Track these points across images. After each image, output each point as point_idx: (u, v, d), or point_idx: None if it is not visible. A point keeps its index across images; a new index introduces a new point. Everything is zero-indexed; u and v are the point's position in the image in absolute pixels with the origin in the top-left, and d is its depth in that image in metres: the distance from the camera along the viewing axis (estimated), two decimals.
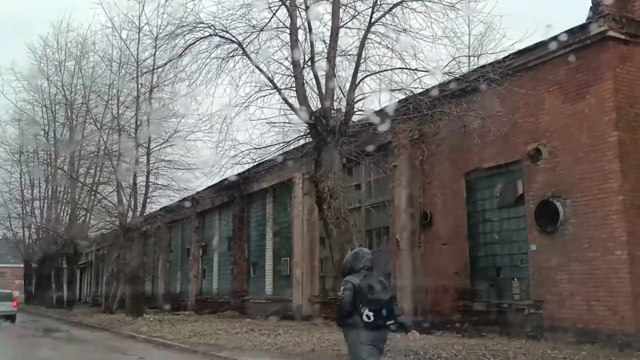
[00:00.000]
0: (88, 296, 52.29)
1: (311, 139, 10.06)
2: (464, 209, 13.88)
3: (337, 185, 9.13)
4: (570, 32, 11.18)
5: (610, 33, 10.71)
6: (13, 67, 57.03)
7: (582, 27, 11.11)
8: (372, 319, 5.14)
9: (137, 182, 21.78)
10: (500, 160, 13.03)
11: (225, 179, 25.98)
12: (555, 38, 11.33)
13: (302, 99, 9.59)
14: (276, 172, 22.28)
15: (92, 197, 27.02)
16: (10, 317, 24.12)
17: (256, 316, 22.16)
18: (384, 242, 16.76)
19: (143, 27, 21.17)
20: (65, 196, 31.72)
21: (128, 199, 22.70)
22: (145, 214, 22.45)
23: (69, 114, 32.31)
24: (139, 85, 21.48)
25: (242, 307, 24.05)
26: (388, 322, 5.30)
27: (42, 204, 40.66)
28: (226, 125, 11.23)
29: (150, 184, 21.75)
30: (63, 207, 37.27)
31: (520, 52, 11.86)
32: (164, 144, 22.34)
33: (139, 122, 21.58)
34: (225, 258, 26.78)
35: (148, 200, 22.40)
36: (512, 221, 12.82)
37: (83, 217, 34.29)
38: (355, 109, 9.70)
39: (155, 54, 17.78)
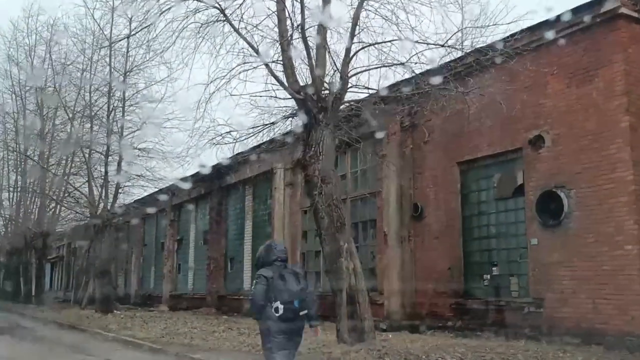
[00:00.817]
0: (59, 291, 50.71)
1: (299, 118, 8.99)
2: (458, 201, 13.05)
3: (329, 168, 8.19)
4: (578, 10, 10.36)
5: (623, 10, 9.93)
6: None
7: (591, 4, 10.31)
8: (282, 311, 5.13)
9: (109, 170, 20.53)
10: (498, 148, 12.22)
11: (203, 166, 24.99)
12: (561, 16, 10.51)
13: (290, 72, 8.57)
14: (256, 162, 21.35)
15: (63, 187, 25.57)
16: None
17: (233, 314, 21.14)
18: (371, 236, 15.87)
19: (117, 6, 19.91)
20: (34, 187, 30.06)
21: (100, 189, 21.43)
22: (118, 205, 21.23)
23: (40, 102, 30.82)
24: (112, 68, 20.27)
25: (219, 304, 23.00)
26: (302, 313, 5.29)
27: (10, 196, 39.15)
28: (204, 101, 10.12)
29: (122, 172, 20.52)
30: (33, 198, 35.78)
31: (522, 32, 11.02)
32: (137, 131, 21.14)
33: (111, 108, 20.34)
34: (202, 253, 25.70)
35: (120, 190, 21.20)
36: (510, 213, 12.02)
37: (53, 209, 32.89)
38: (349, 85, 8.73)
39: (130, 34, 16.61)
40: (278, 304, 5.15)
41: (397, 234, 14.26)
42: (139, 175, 20.63)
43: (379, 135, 15.05)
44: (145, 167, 20.67)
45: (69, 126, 26.77)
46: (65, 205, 25.88)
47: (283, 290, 5.20)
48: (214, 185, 24.31)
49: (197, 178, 24.88)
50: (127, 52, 20.44)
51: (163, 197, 28.39)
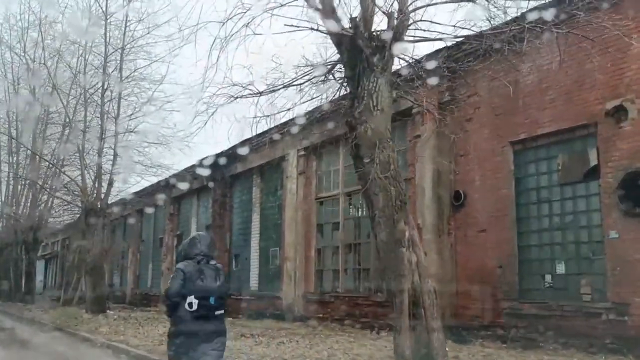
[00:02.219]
0: (53, 289, 48.72)
1: (345, 62, 6.72)
2: (511, 187, 11.06)
3: (385, 127, 6.20)
4: None
5: None
6: None
7: None
8: (195, 307, 4.72)
9: (103, 155, 18.52)
10: (563, 123, 10.24)
11: (203, 159, 23.08)
12: None
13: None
14: (266, 148, 19.38)
15: (55, 176, 23.48)
16: None
17: (237, 315, 19.14)
18: None
19: None
20: (26, 178, 28.00)
21: (93, 178, 19.41)
22: (113, 196, 19.24)
23: (32, 86, 28.82)
24: (107, 42, 18.27)
25: None
26: (217, 313, 4.89)
27: (2, 188, 37.32)
28: (220, 43, 8.02)
29: (118, 158, 18.52)
30: (24, 190, 33.88)
31: None
32: (134, 113, 19.14)
33: (105, 86, 18.36)
34: None
35: (115, 178, 19.23)
36: (579, 201, 10.03)
37: (45, 202, 30.96)
38: (410, 21, 6.70)
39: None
40: (192, 298, 4.72)
41: (434, 227, 12.27)
42: (136, 162, 18.61)
43: (413, 110, 13.18)
44: (144, 152, 18.66)
45: (63, 114, 25.01)
46: (55, 194, 23.76)
47: (200, 286, 4.77)
48: (218, 175, 22.31)
49: (199, 167, 23.00)
50: (125, 26, 18.53)
51: (161, 189, 26.57)
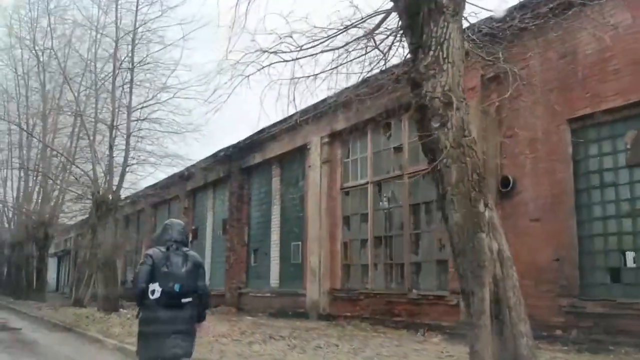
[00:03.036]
0: (66, 286, 48.13)
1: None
2: (568, 170, 9.85)
3: (457, 84, 5.04)
4: None
5: None
6: None
7: None
8: (158, 295, 4.56)
9: (115, 145, 17.46)
10: (630, 97, 9.02)
11: (220, 151, 22.04)
12: None
13: None
14: (286, 136, 18.31)
15: (67, 169, 22.46)
16: None
17: (257, 313, 18.13)
18: (438, 221, 12.71)
19: None
20: (37, 170, 27.06)
21: (105, 168, 18.37)
22: (125, 187, 18.22)
23: (42, 79, 27.90)
24: (119, 26, 17.23)
25: (240, 302, 19.98)
26: (184, 300, 4.68)
27: (13, 185, 36.61)
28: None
29: (130, 147, 17.45)
30: (35, 186, 33.10)
31: None
32: (146, 103, 18.08)
33: (117, 71, 17.29)
34: (220, 243, 22.67)
35: (128, 169, 18.13)
36: None
37: (56, 197, 30.10)
38: None
39: None
40: (156, 286, 4.61)
41: None
42: (149, 152, 17.54)
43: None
44: (157, 142, 17.61)
45: (74, 105, 24.10)
46: (67, 187, 22.74)
47: (165, 273, 4.64)
48: (235, 167, 21.27)
49: (215, 159, 21.98)
50: (137, 8, 17.49)
51: (176, 182, 25.59)
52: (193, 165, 19.94)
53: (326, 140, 16.24)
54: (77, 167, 19.69)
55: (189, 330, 4.84)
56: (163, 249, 4.80)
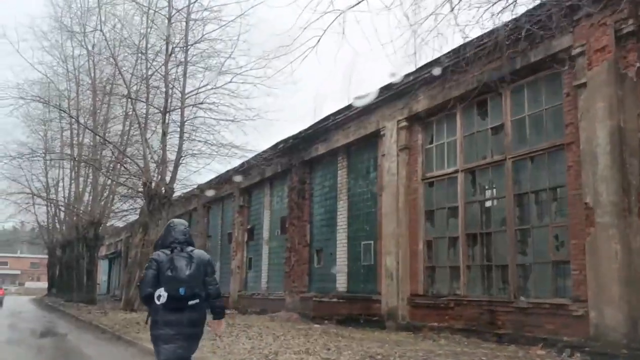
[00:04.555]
0: (117, 289, 47.58)
1: None
2: None
3: None
4: None
5: None
6: (32, 23, 50.72)
7: None
8: (165, 299, 4.58)
9: (168, 135, 15.84)
10: None
11: (280, 143, 20.26)
12: None
13: None
14: (354, 123, 16.38)
15: (119, 160, 21.05)
16: None
17: (322, 320, 16.22)
18: (554, 213, 10.50)
19: None
20: (89, 163, 25.93)
21: (157, 159, 16.78)
22: (180, 180, 16.59)
23: (93, 76, 26.87)
24: (172, 4, 15.63)
25: (303, 308, 18.09)
26: (191, 303, 4.65)
27: (65, 184, 36.13)
28: None
29: (185, 137, 15.82)
30: (85, 185, 32.32)
31: None
32: (201, 88, 16.42)
33: (170, 52, 15.68)
34: (279, 244, 20.87)
35: (182, 160, 16.49)
36: None
37: (106, 197, 29.12)
38: None
39: None
40: (161, 290, 4.58)
41: (615, 206, 8.85)
42: (203, 141, 15.85)
43: (574, 51, 9.82)
44: (213, 129, 15.91)
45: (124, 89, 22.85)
46: (118, 181, 21.37)
47: (168, 277, 4.60)
48: (295, 159, 19.45)
49: (273, 152, 20.20)
50: None
51: (229, 179, 24.01)
52: (250, 159, 18.16)
53: (404, 124, 14.21)
54: (127, 157, 18.23)
55: (198, 332, 4.82)
56: (167, 251, 4.72)
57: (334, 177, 17.75)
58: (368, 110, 15.53)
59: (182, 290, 4.60)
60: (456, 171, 12.66)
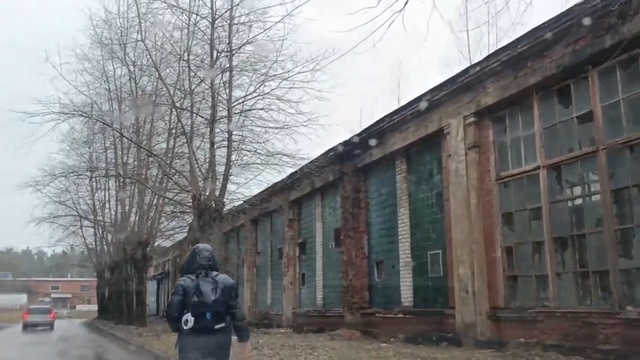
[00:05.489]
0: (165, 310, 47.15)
1: None
2: None
3: None
4: None
5: None
6: (74, 44, 51.15)
7: None
8: (193, 324, 4.73)
9: (215, 145, 14.97)
10: None
11: (331, 151, 19.19)
12: None
13: None
14: (414, 123, 15.22)
15: (165, 172, 20.24)
16: (48, 325, 33.49)
17: (388, 338, 14.99)
18: None
19: None
20: (133, 181, 25.41)
21: (205, 171, 15.93)
22: (231, 193, 15.68)
23: (135, 92, 26.47)
24: (214, 4, 14.83)
25: (365, 325, 16.88)
26: (217, 326, 4.80)
27: (111, 204, 35.95)
28: None
29: (233, 147, 14.91)
30: (132, 207, 31.98)
31: None
32: (248, 95, 15.53)
33: (215, 58, 14.86)
34: (334, 257, 19.74)
35: (231, 171, 15.57)
36: None
37: (152, 217, 28.57)
38: None
39: None
40: (188, 315, 4.74)
41: None
42: (252, 151, 14.93)
43: None
44: (261, 138, 14.98)
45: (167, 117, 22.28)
46: (164, 194, 20.63)
47: (194, 302, 4.73)
48: (348, 167, 18.35)
49: (324, 160, 19.11)
50: None
51: (277, 192, 23.09)
52: (303, 167, 17.14)
53: (471, 119, 12.96)
54: (175, 170, 17.43)
55: (225, 355, 4.89)
56: (193, 277, 4.81)
57: (391, 183, 16.56)
58: (428, 108, 14.35)
59: (208, 315, 4.72)
60: (537, 167, 11.31)
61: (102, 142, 32.72)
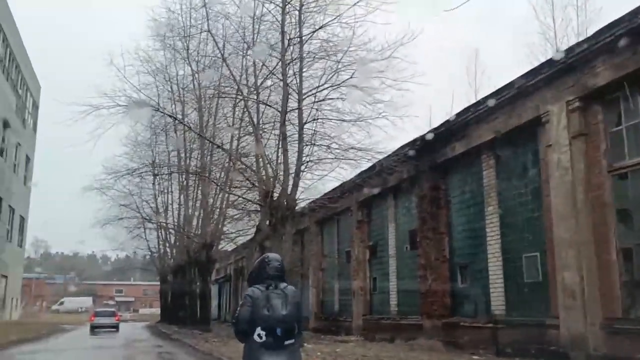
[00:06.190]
0: (228, 314, 46.86)
1: None
2: None
3: None
4: None
5: None
6: (137, 46, 51.51)
7: None
8: (263, 338, 4.39)
9: (287, 137, 13.98)
10: None
11: (406, 147, 17.93)
12: None
13: None
14: (502, 112, 13.80)
15: (232, 166, 19.32)
16: (113, 327, 33.78)
17: (477, 350, 13.57)
18: None
19: None
20: (197, 177, 24.85)
21: (274, 167, 14.96)
22: (305, 189, 14.66)
23: (199, 91, 26.00)
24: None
25: (446, 334, 15.49)
26: (287, 342, 4.44)
27: (174, 207, 35.90)
28: None
29: (304, 142, 13.86)
30: (194, 209, 31.65)
31: None
32: (321, 87, 14.47)
33: (286, 43, 13.88)
34: (409, 260, 18.43)
35: (303, 167, 14.51)
36: None
37: (217, 219, 28.02)
38: None
39: None
40: (259, 330, 4.39)
41: None
42: (325, 146, 13.82)
43: None
44: (335, 131, 13.89)
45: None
46: (230, 190, 19.82)
47: (265, 316, 4.37)
48: (424, 164, 17.03)
49: (399, 156, 17.82)
50: None
51: (345, 192, 21.94)
52: (381, 160, 15.92)
53: (576, 105, 11.45)
54: (244, 165, 16.53)
55: None
56: (262, 288, 4.49)
57: (477, 179, 15.14)
58: (522, 94, 12.91)
59: (279, 331, 4.43)
60: None
61: (165, 143, 32.70)
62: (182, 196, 33.35)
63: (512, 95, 13.18)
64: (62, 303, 77.90)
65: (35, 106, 44.04)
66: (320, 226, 26.73)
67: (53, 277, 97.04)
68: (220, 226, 27.63)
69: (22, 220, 40.87)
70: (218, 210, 27.71)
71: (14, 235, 38.35)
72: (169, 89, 29.83)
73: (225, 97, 18.05)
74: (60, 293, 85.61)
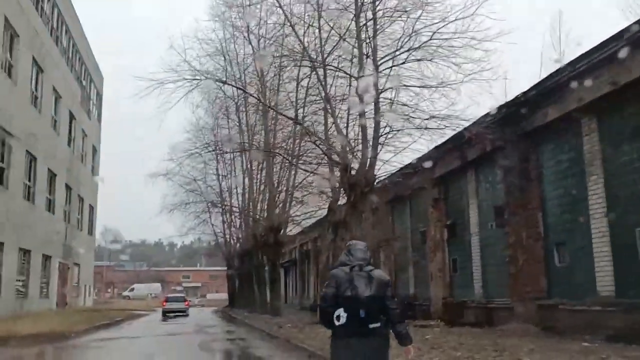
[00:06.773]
0: (294, 299, 46.54)
1: None
2: None
3: None
4: None
5: None
6: (196, 28, 51.02)
7: None
8: (345, 320, 4.29)
9: (365, 107, 12.86)
10: None
11: (487, 115, 16.49)
12: None
13: None
14: (606, 69, 12.18)
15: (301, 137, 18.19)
16: (183, 312, 35.36)
17: (581, 336, 12.10)
18: None
19: None
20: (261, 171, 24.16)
21: (349, 138, 13.89)
22: (385, 162, 13.50)
23: (261, 76, 25.17)
24: None
25: (542, 319, 14.10)
26: (372, 326, 4.32)
27: (238, 191, 35.60)
28: None
29: (381, 112, 12.69)
30: (259, 191, 31.13)
31: None
32: (397, 52, 13.22)
33: (359, 4, 12.73)
34: (494, 239, 17.04)
35: (382, 138, 13.36)
36: None
37: (284, 200, 27.29)
38: None
39: None
40: (341, 311, 4.31)
41: None
42: (407, 115, 12.61)
43: None
44: (416, 98, 12.64)
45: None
46: (301, 166, 18.89)
47: (349, 297, 4.31)
48: (510, 133, 15.55)
49: (483, 124, 16.36)
50: None
51: (418, 168, 20.58)
52: (466, 129, 14.59)
53: None
54: (317, 137, 15.46)
55: (382, 356, 4.40)
56: (347, 269, 4.43)
57: (575, 147, 13.58)
58: (632, 47, 11.27)
59: (362, 313, 4.27)
60: None
61: (227, 126, 32.29)
62: (246, 179, 32.97)
63: (620, 46, 11.56)
64: (132, 289, 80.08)
65: (99, 97, 44.65)
66: (391, 205, 25.52)
67: (123, 264, 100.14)
68: (287, 208, 26.94)
69: (92, 209, 41.69)
70: (284, 191, 27.01)
71: (84, 224, 39.15)
72: (230, 69, 29.30)
73: (297, 66, 16.99)
74: (130, 280, 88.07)
